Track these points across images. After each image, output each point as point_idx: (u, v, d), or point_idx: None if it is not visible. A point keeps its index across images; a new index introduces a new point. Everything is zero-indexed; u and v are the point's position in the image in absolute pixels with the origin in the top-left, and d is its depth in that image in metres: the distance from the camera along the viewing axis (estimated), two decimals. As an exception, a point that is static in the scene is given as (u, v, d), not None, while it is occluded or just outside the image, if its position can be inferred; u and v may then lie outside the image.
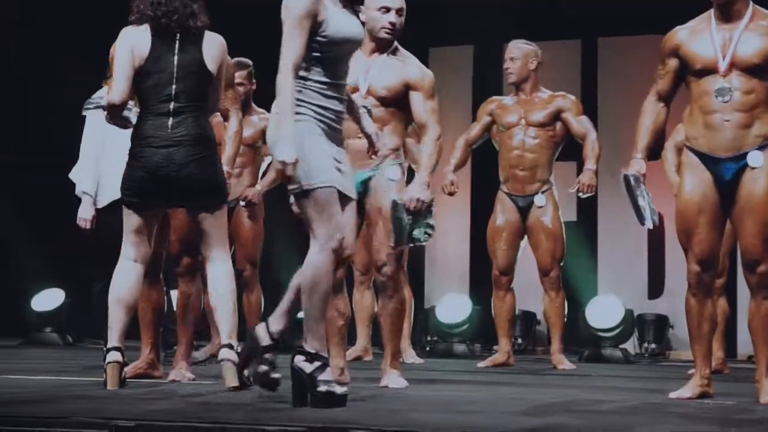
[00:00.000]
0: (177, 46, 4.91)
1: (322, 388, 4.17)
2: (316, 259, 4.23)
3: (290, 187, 4.25)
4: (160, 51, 4.89)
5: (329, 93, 4.31)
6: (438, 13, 9.81)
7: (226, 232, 5.02)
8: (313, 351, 4.25)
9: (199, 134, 4.89)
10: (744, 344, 8.55)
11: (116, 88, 4.91)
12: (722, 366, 7.04)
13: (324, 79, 4.29)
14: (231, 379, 4.81)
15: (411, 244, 5.29)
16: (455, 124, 8.51)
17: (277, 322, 4.38)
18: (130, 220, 4.93)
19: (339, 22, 4.32)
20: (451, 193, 7.43)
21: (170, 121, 4.88)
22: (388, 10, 5.30)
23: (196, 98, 4.92)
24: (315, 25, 4.26)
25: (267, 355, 4.32)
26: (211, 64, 4.95)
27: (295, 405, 4.19)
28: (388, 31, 5.29)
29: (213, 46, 4.97)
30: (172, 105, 4.88)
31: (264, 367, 4.31)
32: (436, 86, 5.41)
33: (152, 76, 4.89)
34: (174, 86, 4.89)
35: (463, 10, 9.79)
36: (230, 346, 4.87)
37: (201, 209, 4.93)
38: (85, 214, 6.02)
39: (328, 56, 4.29)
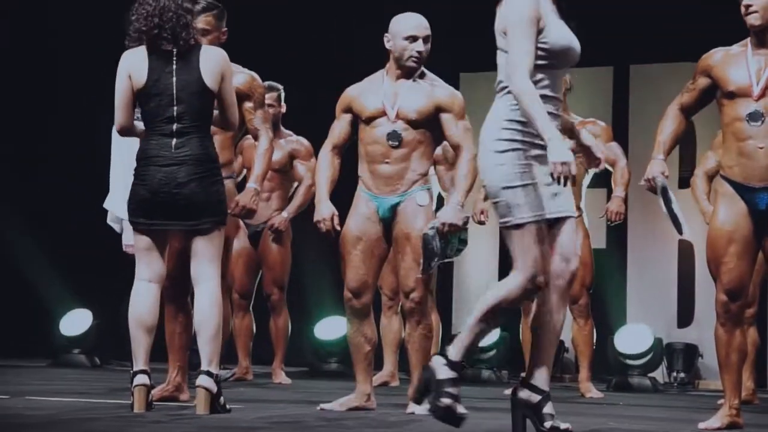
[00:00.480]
0: (175, 66, 4.89)
1: (446, 400, 4.01)
2: (512, 287, 4.02)
3: (501, 220, 4.05)
4: (158, 73, 4.87)
5: (546, 108, 4.02)
6: (469, 38, 9.79)
7: (219, 253, 4.94)
8: (455, 360, 4.06)
9: (203, 154, 4.88)
10: (775, 375, 8.50)
11: (116, 118, 4.96)
12: (752, 396, 6.98)
13: (541, 92, 4.03)
14: (202, 407, 4.74)
15: (444, 259, 5.24)
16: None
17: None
18: (139, 239, 4.93)
19: (561, 30, 4.13)
20: (481, 222, 7.41)
21: (174, 141, 4.87)
22: (415, 39, 5.29)
23: (199, 118, 4.90)
24: (537, 30, 4.05)
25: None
26: (210, 81, 4.90)
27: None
28: (415, 59, 5.29)
29: (211, 63, 4.91)
30: (175, 126, 4.88)
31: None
32: (467, 112, 5.40)
33: (153, 98, 4.88)
34: (175, 108, 4.87)
35: (493, 36, 9.77)
36: (209, 374, 4.79)
37: (201, 229, 4.88)
38: (130, 240, 6.02)
39: (547, 66, 4.08)
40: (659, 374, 8.65)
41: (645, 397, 7.52)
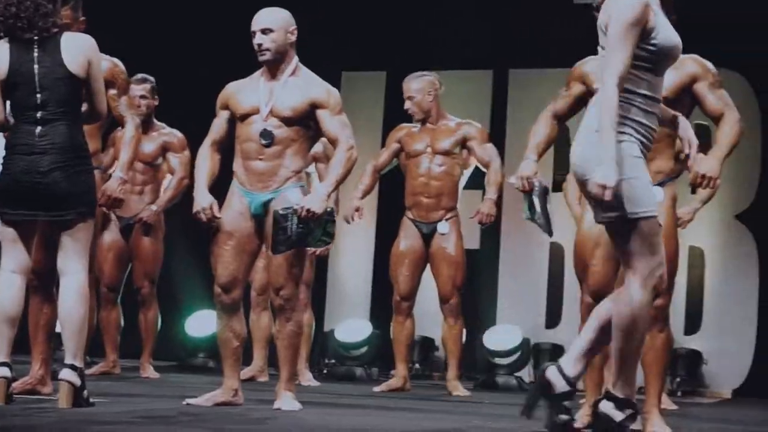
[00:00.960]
0: (36, 54, 4.82)
1: None
2: (638, 296, 3.97)
3: (607, 213, 3.96)
4: (20, 62, 4.80)
5: (650, 109, 4.06)
6: (352, 38, 9.83)
7: (86, 245, 4.87)
8: (623, 397, 4.00)
9: (67, 142, 4.80)
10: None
11: None
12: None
13: (648, 93, 4.04)
14: (65, 401, 4.69)
15: (303, 246, 5.21)
16: (366, 150, 8.46)
17: (574, 366, 4.08)
18: (4, 230, 4.85)
19: (667, 29, 4.07)
20: (351, 219, 7.37)
21: (38, 129, 4.80)
22: (254, 33, 5.31)
23: (65, 105, 4.83)
24: (644, 33, 3.99)
25: (565, 403, 4.01)
26: (74, 66, 4.83)
27: None
28: (259, 53, 5.30)
29: (74, 49, 4.84)
30: (39, 113, 4.80)
31: (564, 417, 4.00)
32: (348, 111, 5.41)
33: (18, 87, 4.81)
34: (39, 95, 4.80)
35: (377, 36, 9.82)
36: (72, 367, 4.73)
37: (66, 220, 4.80)
38: None
39: (655, 67, 4.05)
40: (526, 374, 8.78)
41: (510, 396, 7.61)
